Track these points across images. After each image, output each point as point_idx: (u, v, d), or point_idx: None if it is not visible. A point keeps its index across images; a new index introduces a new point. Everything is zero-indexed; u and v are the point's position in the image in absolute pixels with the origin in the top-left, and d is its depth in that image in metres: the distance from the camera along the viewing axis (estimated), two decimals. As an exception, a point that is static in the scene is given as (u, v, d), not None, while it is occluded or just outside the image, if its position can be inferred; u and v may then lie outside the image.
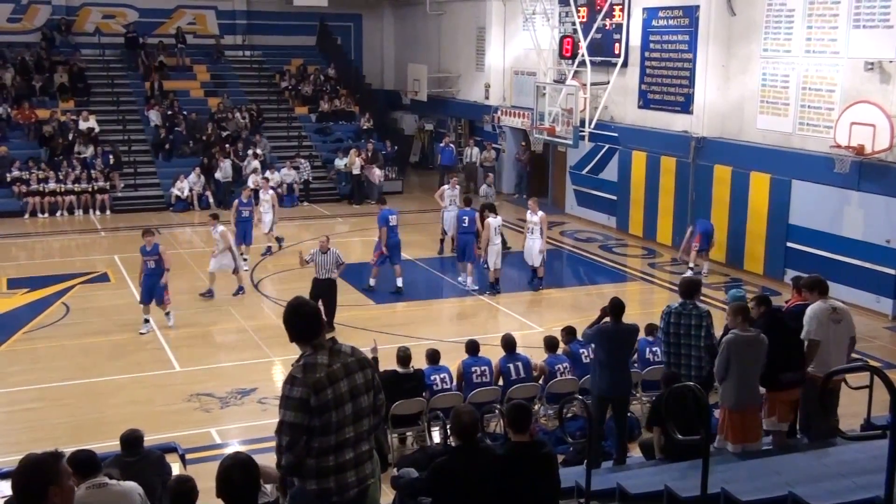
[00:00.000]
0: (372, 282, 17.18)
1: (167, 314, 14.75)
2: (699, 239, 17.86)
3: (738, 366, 8.19)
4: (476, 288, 17.28)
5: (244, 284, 16.92)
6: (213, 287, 16.62)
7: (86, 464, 5.82)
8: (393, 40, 34.97)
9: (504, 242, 17.94)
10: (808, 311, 8.82)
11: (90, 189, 24.21)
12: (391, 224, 16.92)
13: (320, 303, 14.11)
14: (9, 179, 23.79)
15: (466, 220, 17.58)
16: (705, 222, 18.25)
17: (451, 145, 27.95)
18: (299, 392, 4.57)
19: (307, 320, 4.82)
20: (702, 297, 11.57)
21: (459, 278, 17.94)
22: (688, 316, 9.22)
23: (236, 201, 19.00)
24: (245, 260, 18.37)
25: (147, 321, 14.58)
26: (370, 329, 14.85)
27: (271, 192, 20.21)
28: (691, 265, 18.07)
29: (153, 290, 14.47)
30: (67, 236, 22.16)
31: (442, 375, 10.51)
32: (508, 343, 10.97)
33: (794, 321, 8.93)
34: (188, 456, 8.76)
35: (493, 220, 17.00)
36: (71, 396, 12.07)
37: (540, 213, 17.11)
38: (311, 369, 4.63)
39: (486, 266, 17.02)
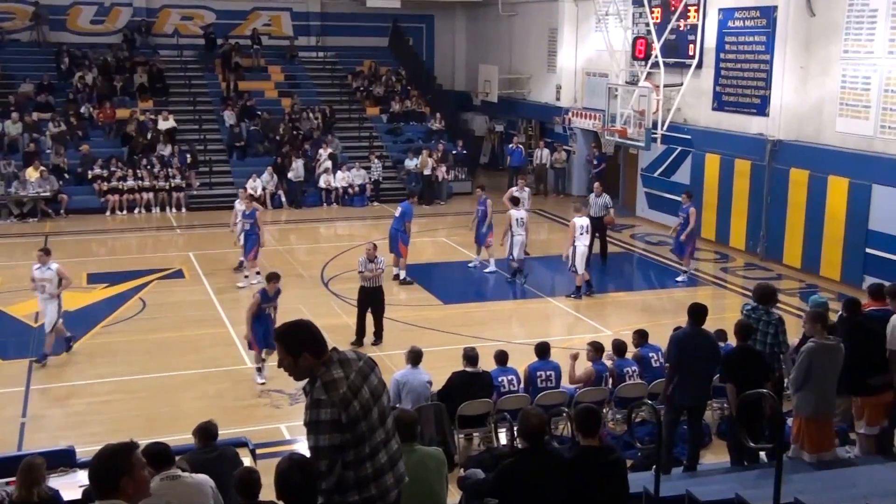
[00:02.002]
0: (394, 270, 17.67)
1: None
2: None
3: (817, 375, 8.01)
4: (475, 263, 18.78)
5: (48, 351, 13.28)
6: (49, 350, 13.24)
7: (160, 456, 5.97)
8: (464, 41, 35.02)
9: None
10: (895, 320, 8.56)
11: (167, 187, 24.79)
12: (396, 215, 17.95)
13: (369, 311, 14.04)
14: (90, 177, 24.49)
15: (479, 212, 18.69)
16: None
17: (520, 146, 27.86)
18: (328, 414, 4.38)
19: (309, 333, 4.59)
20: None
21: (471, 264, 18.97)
22: (756, 321, 9.04)
23: (236, 211, 17.81)
24: (250, 275, 17.21)
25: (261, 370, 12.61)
26: (438, 329, 14.92)
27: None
28: (691, 270, 18.10)
29: (268, 335, 12.28)
30: (145, 233, 22.70)
31: (509, 377, 10.48)
32: (599, 348, 10.93)
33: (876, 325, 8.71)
34: (258, 451, 8.89)
35: (579, 220, 16.70)
36: (146, 389, 12.37)
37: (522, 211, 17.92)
38: (332, 387, 4.43)
39: (572, 270, 16.83)
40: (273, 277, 12.85)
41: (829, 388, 8.15)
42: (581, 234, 16.53)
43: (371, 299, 14.13)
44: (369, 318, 14.16)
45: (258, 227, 17.29)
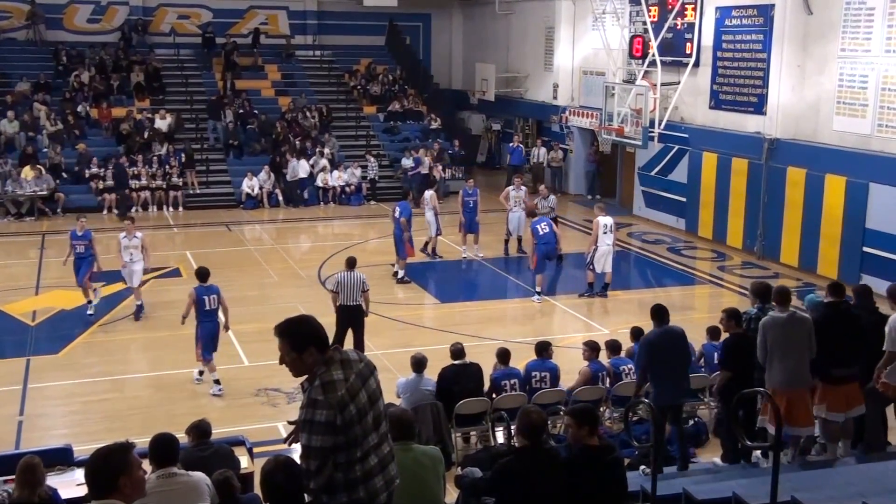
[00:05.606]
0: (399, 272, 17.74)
1: None
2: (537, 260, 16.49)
3: (776, 347, 8.18)
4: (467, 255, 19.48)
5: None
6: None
7: (166, 446, 5.98)
8: (461, 40, 35.01)
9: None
10: (893, 320, 8.57)
11: (164, 186, 24.74)
12: (395, 216, 17.79)
13: (349, 332, 12.58)
14: (87, 176, 24.44)
15: (472, 202, 19.49)
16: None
17: (521, 145, 27.88)
18: (324, 415, 4.34)
19: (314, 328, 4.57)
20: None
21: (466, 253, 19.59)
22: None
23: (70, 233, 16.00)
24: (90, 302, 15.63)
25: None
26: (435, 328, 14.91)
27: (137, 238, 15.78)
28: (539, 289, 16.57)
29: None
30: (141, 232, 22.57)
31: (512, 381, 10.43)
32: (594, 347, 10.94)
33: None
34: (255, 450, 8.89)
35: (603, 219, 16.58)
36: (143, 388, 12.36)
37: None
38: (330, 388, 4.39)
39: (590, 267, 16.73)
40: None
41: (793, 361, 8.23)
42: (605, 232, 16.49)
43: (350, 319, 12.72)
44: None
45: (94, 249, 15.73)
